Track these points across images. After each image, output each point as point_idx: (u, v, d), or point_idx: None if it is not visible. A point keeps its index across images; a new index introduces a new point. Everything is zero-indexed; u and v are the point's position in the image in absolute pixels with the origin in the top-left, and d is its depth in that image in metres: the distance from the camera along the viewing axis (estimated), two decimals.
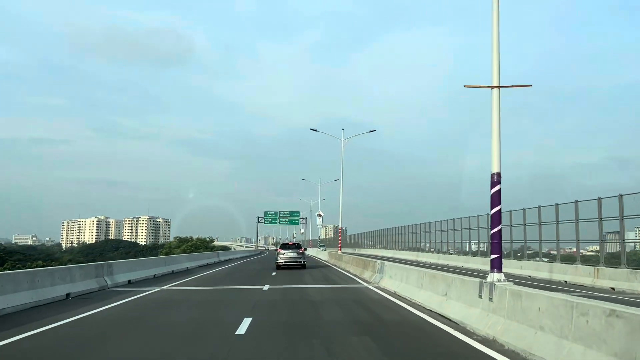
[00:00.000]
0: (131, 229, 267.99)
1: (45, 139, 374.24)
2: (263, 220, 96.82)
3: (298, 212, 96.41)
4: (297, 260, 29.17)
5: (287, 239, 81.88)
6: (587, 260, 25.11)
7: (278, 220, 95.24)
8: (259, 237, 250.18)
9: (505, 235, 30.39)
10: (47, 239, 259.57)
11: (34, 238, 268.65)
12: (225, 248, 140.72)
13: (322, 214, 72.40)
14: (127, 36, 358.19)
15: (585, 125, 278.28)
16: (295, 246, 30.41)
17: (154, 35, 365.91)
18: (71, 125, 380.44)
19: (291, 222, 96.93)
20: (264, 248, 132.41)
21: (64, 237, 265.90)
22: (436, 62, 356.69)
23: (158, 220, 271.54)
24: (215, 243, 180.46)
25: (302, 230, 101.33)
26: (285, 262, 29.02)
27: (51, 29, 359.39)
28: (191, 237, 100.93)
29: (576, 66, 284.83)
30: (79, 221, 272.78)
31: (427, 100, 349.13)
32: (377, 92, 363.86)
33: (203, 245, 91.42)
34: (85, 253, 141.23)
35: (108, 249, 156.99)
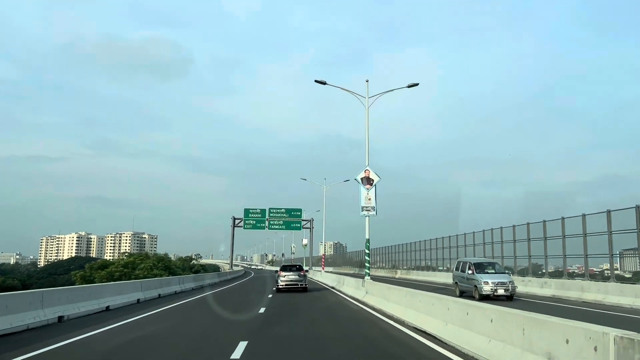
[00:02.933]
0: (114, 246, 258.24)
1: (42, 156, 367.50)
2: (243, 224, 62.89)
3: (300, 210, 63.99)
4: (299, 283, 28.49)
5: (282, 255, 76.76)
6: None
7: (267, 223, 62.69)
8: (252, 255, 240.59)
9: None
10: (32, 257, 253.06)
11: (18, 256, 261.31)
12: (215, 267, 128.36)
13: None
14: (124, 50, 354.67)
15: (579, 142, 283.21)
16: (297, 268, 30.04)
17: (150, 50, 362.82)
18: (68, 142, 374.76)
19: (289, 225, 64.71)
20: (246, 266, 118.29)
21: (42, 254, 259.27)
22: (430, 79, 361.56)
23: (143, 236, 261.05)
24: (206, 261, 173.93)
25: (305, 241, 72.22)
26: (286, 284, 28.35)
27: (47, 44, 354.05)
28: (146, 254, 70.51)
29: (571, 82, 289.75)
30: (58, 237, 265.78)
31: (423, 117, 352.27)
32: (375, 110, 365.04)
33: (163, 264, 61.23)
34: (47, 273, 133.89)
35: (75, 268, 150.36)
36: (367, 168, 23.99)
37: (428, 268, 48.28)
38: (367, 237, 24.27)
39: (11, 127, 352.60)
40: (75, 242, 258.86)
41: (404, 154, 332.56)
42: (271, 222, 63.05)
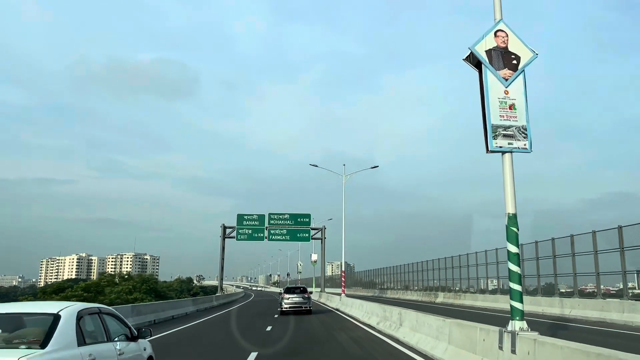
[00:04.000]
0: (114, 267, 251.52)
1: (49, 179, 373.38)
2: (235, 234, 50.40)
3: (308, 216, 52.03)
4: (303, 306, 27.99)
5: (287, 275, 71.82)
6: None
7: (267, 232, 50.24)
8: (258, 276, 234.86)
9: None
10: (33, 279, 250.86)
11: (20, 279, 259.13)
12: (216, 289, 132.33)
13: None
14: (130, 71, 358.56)
15: (586, 160, 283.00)
16: (301, 290, 29.50)
17: (156, 71, 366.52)
18: (75, 165, 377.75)
19: (295, 236, 51.75)
20: (247, 287, 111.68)
21: (43, 276, 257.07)
22: (438, 99, 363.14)
23: (145, 257, 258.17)
24: (209, 282, 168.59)
25: (315, 257, 64.06)
26: (290, 307, 27.90)
27: (54, 69, 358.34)
28: (128, 275, 62.22)
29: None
30: (59, 259, 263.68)
31: (431, 136, 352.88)
32: (381, 129, 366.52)
33: (147, 287, 52.36)
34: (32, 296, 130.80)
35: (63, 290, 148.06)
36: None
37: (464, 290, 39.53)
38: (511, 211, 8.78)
39: (19, 150, 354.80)
40: (75, 263, 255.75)
41: (413, 173, 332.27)
42: (272, 232, 50.38)
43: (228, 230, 51.75)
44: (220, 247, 51.98)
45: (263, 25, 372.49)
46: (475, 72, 9.21)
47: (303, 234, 51.62)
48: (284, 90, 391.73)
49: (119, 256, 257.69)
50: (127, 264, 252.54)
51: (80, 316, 5.38)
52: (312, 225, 52.59)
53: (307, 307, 28.04)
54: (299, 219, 51.27)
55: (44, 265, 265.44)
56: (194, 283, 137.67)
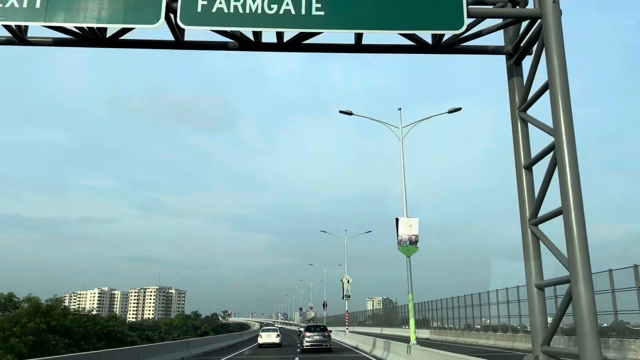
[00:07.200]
0: (137, 301, 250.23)
1: (92, 217, 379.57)
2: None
3: None
4: (323, 344, 29.31)
5: (324, 307, 66.55)
6: None
7: None
8: (277, 314, 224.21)
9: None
10: None
11: None
12: (245, 326, 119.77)
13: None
14: (170, 106, 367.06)
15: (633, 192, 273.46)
16: (321, 328, 31.04)
17: (196, 108, 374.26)
18: (116, 204, 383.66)
19: None
20: (270, 324, 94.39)
21: None
22: (476, 132, 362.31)
23: (170, 291, 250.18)
24: (237, 319, 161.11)
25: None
26: (311, 345, 29.21)
27: (95, 105, 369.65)
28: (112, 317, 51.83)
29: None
30: (80, 294, 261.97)
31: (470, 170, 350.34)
32: (417, 164, 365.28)
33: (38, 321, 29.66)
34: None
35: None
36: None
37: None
38: None
39: (66, 190, 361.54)
40: (97, 297, 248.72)
41: (456, 205, 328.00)
42: None
43: None
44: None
45: (295, 65, 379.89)
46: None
47: None
48: (320, 127, 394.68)
49: (142, 290, 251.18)
50: (151, 299, 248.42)
51: None
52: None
53: (327, 345, 29.37)
54: None
55: (66, 300, 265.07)
56: (219, 320, 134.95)
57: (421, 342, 34.49)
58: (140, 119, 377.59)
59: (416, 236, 19.56)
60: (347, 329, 50.56)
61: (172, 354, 22.34)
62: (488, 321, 39.34)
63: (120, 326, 40.47)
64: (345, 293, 44.51)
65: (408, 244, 19.36)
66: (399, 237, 19.56)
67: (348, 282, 44.85)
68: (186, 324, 77.52)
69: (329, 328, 33.49)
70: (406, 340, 31.03)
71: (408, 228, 19.54)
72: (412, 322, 21.72)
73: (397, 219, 19.90)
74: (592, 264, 7.33)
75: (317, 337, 29.54)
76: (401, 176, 23.13)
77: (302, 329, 41.77)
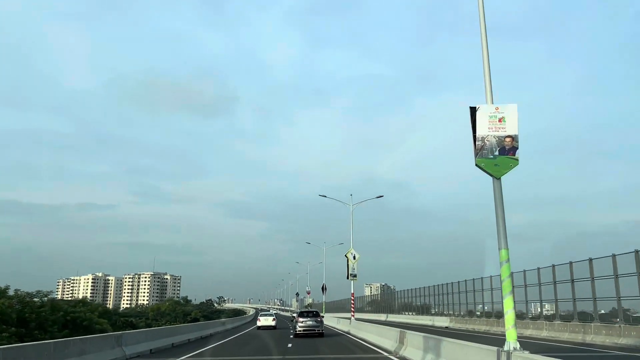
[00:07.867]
0: (132, 287, 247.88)
1: (90, 204, 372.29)
2: None
3: None
4: (316, 329, 29.76)
5: (324, 289, 64.66)
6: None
7: None
8: (274, 300, 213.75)
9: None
10: None
11: None
12: (240, 312, 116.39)
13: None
14: (167, 87, 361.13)
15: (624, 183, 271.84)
16: (314, 314, 31.53)
17: (193, 90, 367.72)
18: (114, 190, 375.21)
19: None
20: (265, 310, 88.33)
21: (59, 297, 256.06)
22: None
23: (165, 276, 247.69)
24: (232, 305, 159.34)
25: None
26: (303, 330, 29.65)
27: (90, 87, 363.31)
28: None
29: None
30: (73, 279, 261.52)
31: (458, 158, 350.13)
32: (412, 151, 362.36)
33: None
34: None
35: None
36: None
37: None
38: None
39: (64, 177, 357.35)
40: (90, 283, 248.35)
41: (448, 195, 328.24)
42: None
43: None
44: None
45: (294, 51, 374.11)
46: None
47: None
48: (316, 115, 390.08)
49: (136, 276, 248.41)
50: (145, 284, 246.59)
51: None
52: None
53: (319, 330, 29.89)
54: None
55: (60, 286, 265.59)
56: (214, 306, 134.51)
57: (441, 331, 31.36)
58: (137, 103, 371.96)
59: (513, 138, 10.52)
60: (353, 315, 39.08)
61: (80, 357, 13.57)
62: (539, 307, 31.92)
63: (89, 312, 36.18)
64: (350, 272, 37.08)
65: (497, 153, 10.39)
66: (478, 143, 10.54)
67: (354, 257, 37.03)
68: (175, 310, 72.85)
69: (321, 314, 34.28)
70: (430, 331, 26.73)
71: (496, 124, 10.57)
72: (509, 304, 9.97)
73: (472, 110, 10.81)
74: None
75: (310, 322, 29.97)
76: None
77: (294, 314, 43.52)
